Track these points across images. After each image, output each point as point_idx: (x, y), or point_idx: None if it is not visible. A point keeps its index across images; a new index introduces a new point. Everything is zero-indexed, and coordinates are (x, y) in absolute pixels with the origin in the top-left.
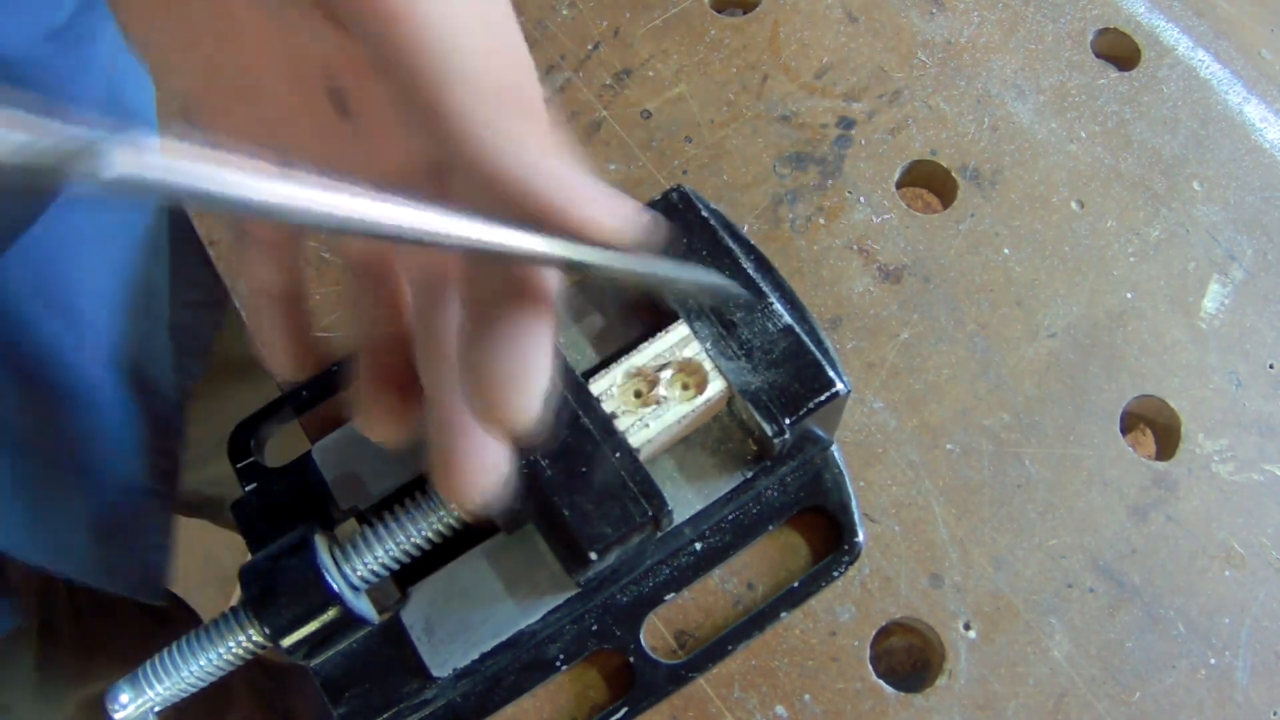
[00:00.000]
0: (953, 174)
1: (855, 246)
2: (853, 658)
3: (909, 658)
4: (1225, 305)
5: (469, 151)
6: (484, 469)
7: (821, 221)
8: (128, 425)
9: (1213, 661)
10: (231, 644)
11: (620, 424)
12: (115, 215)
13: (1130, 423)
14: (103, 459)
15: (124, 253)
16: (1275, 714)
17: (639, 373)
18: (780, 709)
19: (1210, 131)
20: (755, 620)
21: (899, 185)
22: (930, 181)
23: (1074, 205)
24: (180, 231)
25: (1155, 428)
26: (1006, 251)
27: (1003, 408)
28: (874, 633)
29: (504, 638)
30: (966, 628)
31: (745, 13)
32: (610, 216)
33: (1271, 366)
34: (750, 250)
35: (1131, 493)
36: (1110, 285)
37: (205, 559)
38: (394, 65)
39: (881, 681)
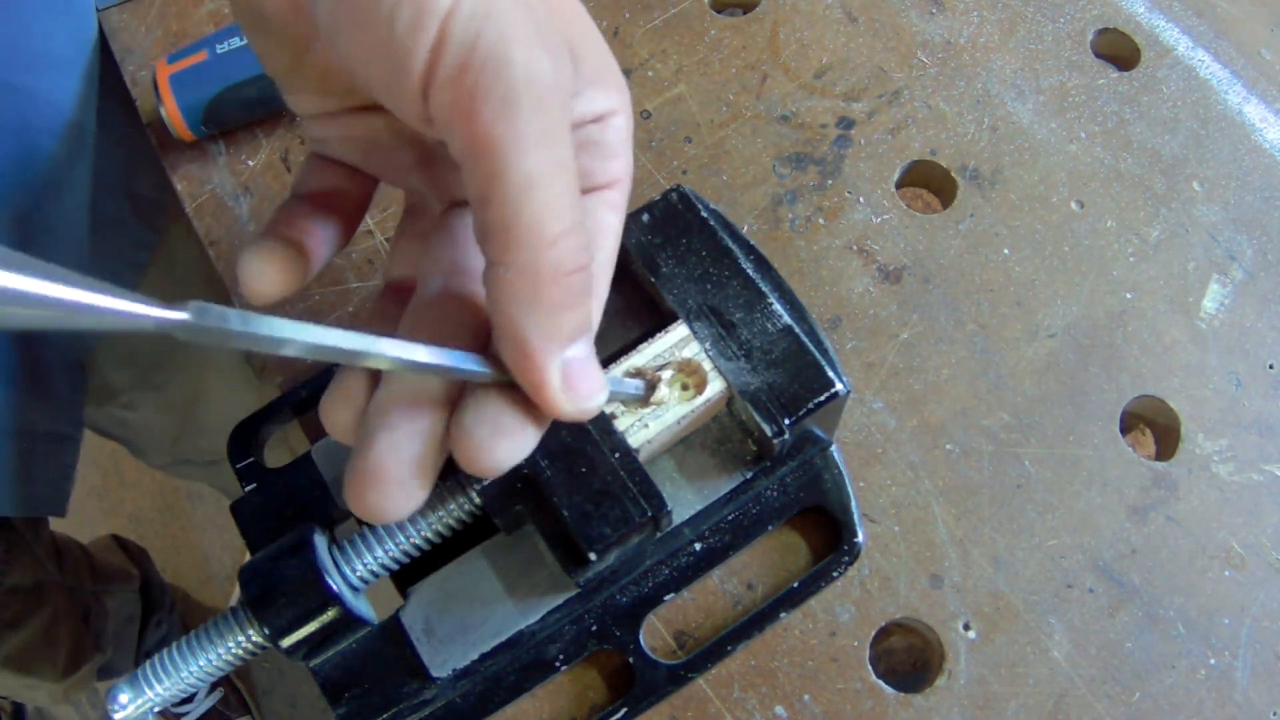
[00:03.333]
0: (952, 174)
1: (855, 246)
2: (852, 658)
3: (909, 658)
4: (1225, 305)
5: (503, 303)
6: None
7: (821, 221)
8: (45, 388)
9: (1213, 662)
10: (231, 644)
11: (619, 424)
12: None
13: (1130, 423)
14: (30, 418)
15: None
16: (1275, 714)
17: (639, 373)
18: (780, 709)
19: (1210, 131)
20: (755, 620)
21: (899, 185)
22: (930, 181)
23: (1074, 205)
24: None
25: (1155, 428)
26: (1006, 251)
27: (1003, 408)
28: (874, 633)
29: (503, 638)
30: (966, 628)
31: (745, 13)
32: (575, 408)
33: (1271, 366)
34: (750, 250)
35: (1131, 493)
36: (1110, 285)
37: (205, 559)
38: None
39: (881, 682)
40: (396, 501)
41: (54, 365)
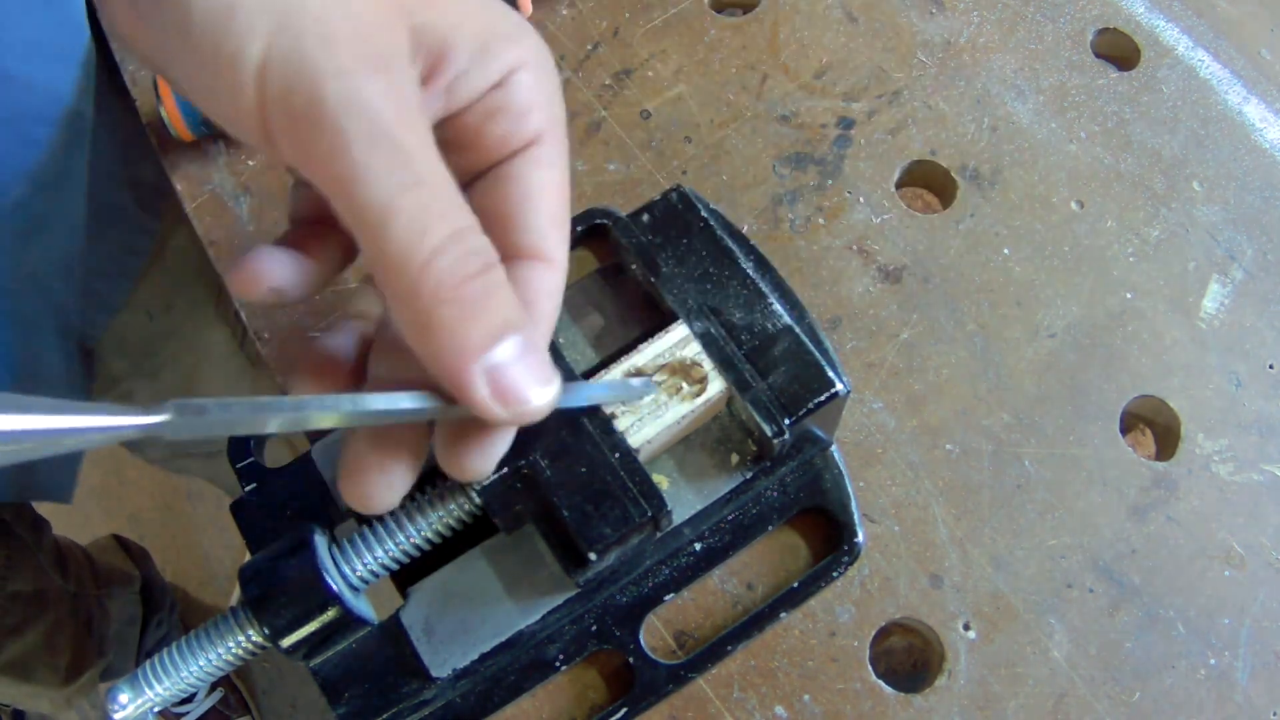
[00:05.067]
0: (952, 174)
1: (855, 246)
2: (852, 658)
3: (909, 658)
4: (1225, 305)
5: (406, 332)
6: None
7: (821, 222)
8: (49, 377)
9: (1213, 661)
10: (231, 644)
11: (619, 424)
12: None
13: (1130, 423)
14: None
15: (75, 250)
16: (1275, 714)
17: (638, 373)
18: (780, 709)
19: (1210, 131)
20: (755, 620)
21: (898, 185)
22: (930, 181)
23: (1074, 205)
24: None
25: (1155, 428)
26: (1006, 251)
27: (1003, 408)
28: (874, 633)
29: (503, 638)
30: (966, 628)
31: (745, 13)
32: (512, 413)
33: (1271, 366)
34: (750, 250)
35: (1131, 493)
36: (1110, 285)
37: (205, 559)
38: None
39: (881, 682)
40: (381, 490)
41: (60, 352)
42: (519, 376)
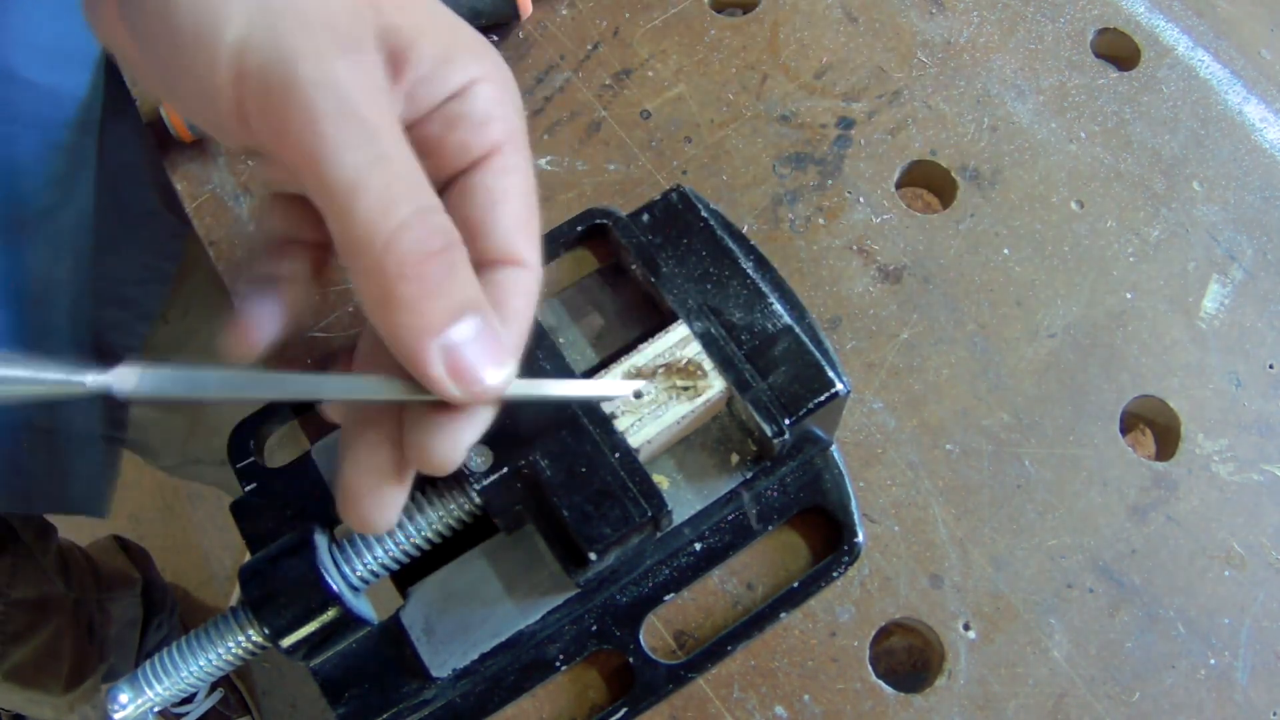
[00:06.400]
0: (952, 174)
1: (855, 246)
2: (852, 658)
3: (909, 658)
4: (1225, 305)
5: (367, 308)
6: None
7: (821, 221)
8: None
9: (1213, 661)
10: (231, 644)
11: (620, 424)
12: (70, 206)
13: (1130, 423)
14: (69, 418)
15: (85, 249)
16: (1275, 714)
17: (638, 373)
18: (780, 709)
19: (1210, 131)
20: (755, 620)
21: (898, 185)
22: (930, 181)
23: (1074, 205)
24: (135, 215)
25: (1155, 428)
26: (1006, 251)
27: (1003, 408)
28: (874, 633)
29: (503, 638)
30: (966, 628)
31: (745, 13)
32: (469, 392)
33: (1271, 366)
34: (750, 250)
35: (1131, 493)
36: (1110, 285)
37: (205, 559)
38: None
39: (881, 682)
40: (374, 512)
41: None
42: (475, 356)
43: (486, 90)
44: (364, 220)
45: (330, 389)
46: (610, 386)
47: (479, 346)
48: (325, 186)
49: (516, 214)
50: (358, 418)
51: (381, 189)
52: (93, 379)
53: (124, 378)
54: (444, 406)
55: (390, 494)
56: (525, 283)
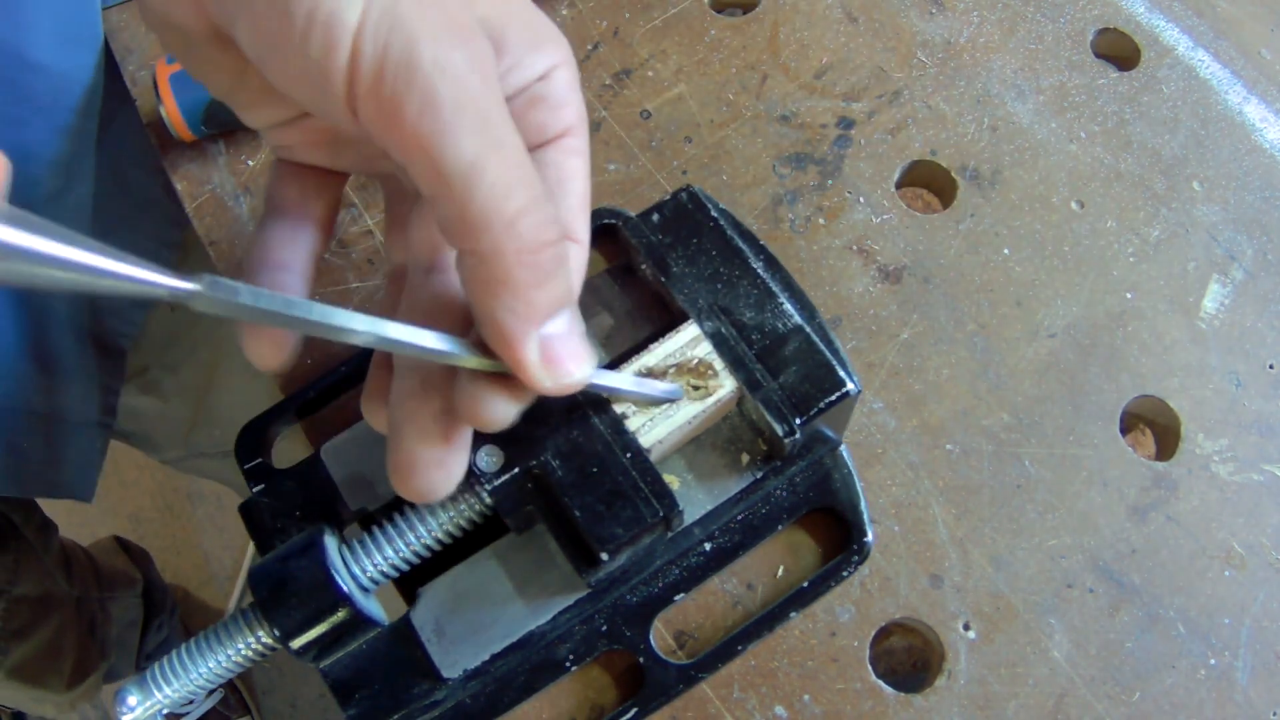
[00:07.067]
0: (952, 174)
1: (855, 246)
2: (852, 658)
3: (909, 658)
4: (1225, 305)
5: (474, 289)
6: (438, 472)
7: (821, 221)
8: (81, 375)
9: (1213, 661)
10: (241, 645)
11: (630, 424)
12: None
13: (1130, 423)
14: (66, 404)
15: (87, 234)
16: (1275, 714)
17: (649, 373)
18: (780, 709)
19: (1210, 131)
20: (765, 620)
21: (899, 185)
22: (930, 181)
23: (1074, 205)
24: (140, 212)
25: (1155, 428)
26: (1006, 251)
27: (1003, 408)
28: (874, 633)
29: (514, 638)
30: (966, 628)
31: (745, 13)
32: (556, 384)
33: (1271, 366)
34: (760, 250)
35: (1131, 493)
36: (1110, 285)
37: (205, 559)
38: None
39: (881, 682)
40: (437, 480)
41: (90, 350)
42: (564, 349)
43: (564, 75)
44: (484, 203)
45: (394, 335)
46: (658, 387)
47: (569, 341)
48: (444, 169)
49: (580, 193)
50: (410, 393)
51: (500, 173)
52: (174, 283)
53: (210, 286)
54: (505, 375)
55: (455, 462)
56: (581, 260)
